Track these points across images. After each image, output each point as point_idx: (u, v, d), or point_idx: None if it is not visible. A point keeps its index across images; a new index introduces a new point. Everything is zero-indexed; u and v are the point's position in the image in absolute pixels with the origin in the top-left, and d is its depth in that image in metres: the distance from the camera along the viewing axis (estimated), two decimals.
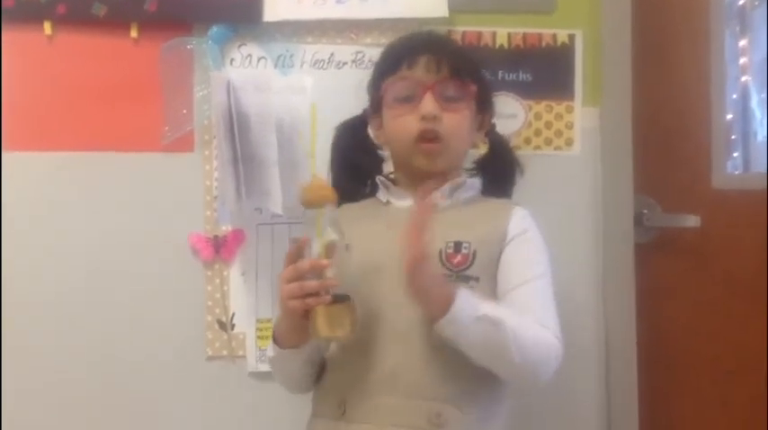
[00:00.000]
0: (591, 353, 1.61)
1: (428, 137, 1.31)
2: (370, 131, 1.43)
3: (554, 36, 1.62)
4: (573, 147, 1.63)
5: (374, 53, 1.47)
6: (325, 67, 1.60)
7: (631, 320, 1.61)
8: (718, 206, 1.70)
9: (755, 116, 1.88)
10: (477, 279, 1.26)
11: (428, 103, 1.30)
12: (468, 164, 1.44)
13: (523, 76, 1.62)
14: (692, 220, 1.66)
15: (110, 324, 1.57)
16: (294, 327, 1.22)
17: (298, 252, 1.20)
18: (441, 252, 1.26)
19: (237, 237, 1.59)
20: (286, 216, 1.53)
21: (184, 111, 1.58)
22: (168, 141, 1.57)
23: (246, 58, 1.59)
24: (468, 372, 1.21)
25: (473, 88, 1.35)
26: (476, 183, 1.41)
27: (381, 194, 1.41)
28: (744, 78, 1.84)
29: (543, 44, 1.62)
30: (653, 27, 1.69)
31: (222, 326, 1.59)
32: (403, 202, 1.36)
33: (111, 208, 1.58)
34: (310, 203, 1.21)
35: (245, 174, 1.51)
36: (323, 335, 1.18)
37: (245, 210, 1.56)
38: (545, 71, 1.62)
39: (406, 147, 1.33)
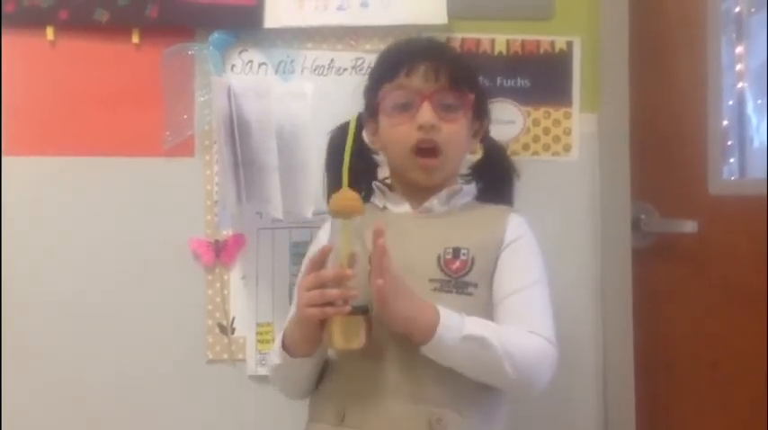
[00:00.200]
0: (589, 358, 1.61)
1: (425, 146, 1.30)
2: (366, 136, 1.42)
3: (552, 43, 1.63)
4: (571, 153, 1.63)
5: (374, 60, 1.47)
6: (325, 73, 1.60)
7: (629, 325, 1.61)
8: (716, 212, 1.70)
9: (752, 122, 1.88)
10: (475, 285, 1.26)
11: (426, 113, 1.29)
12: (464, 169, 1.44)
13: (522, 83, 1.63)
14: (690, 226, 1.67)
15: (111, 327, 1.57)
16: (308, 336, 1.22)
17: (321, 260, 1.19)
18: (439, 257, 1.27)
19: (238, 241, 1.60)
20: (286, 220, 1.54)
21: (185, 117, 1.58)
22: (169, 146, 1.58)
23: (247, 63, 1.60)
24: (467, 377, 1.21)
25: (471, 97, 1.35)
26: (471, 188, 1.41)
27: (377, 199, 1.40)
28: (740, 85, 1.85)
29: (541, 51, 1.63)
30: (650, 34, 1.70)
31: (222, 329, 1.59)
32: (400, 208, 1.37)
33: (112, 212, 1.58)
34: (338, 213, 1.20)
35: (246, 178, 1.52)
36: (337, 347, 1.18)
37: (245, 214, 1.57)
38: (543, 77, 1.63)
39: (403, 157, 1.33)
